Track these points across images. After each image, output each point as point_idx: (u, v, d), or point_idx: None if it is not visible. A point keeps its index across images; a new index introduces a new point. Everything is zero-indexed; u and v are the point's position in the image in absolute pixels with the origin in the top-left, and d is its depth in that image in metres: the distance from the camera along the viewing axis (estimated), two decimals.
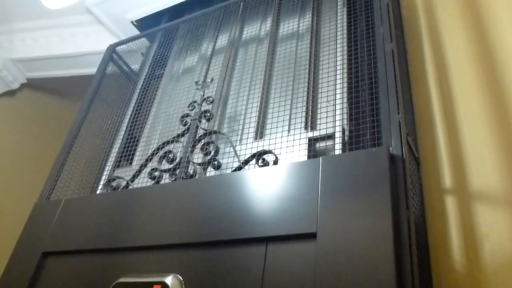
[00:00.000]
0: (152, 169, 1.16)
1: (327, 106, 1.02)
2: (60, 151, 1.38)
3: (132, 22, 1.92)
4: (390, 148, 0.80)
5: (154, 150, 1.23)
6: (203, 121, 1.19)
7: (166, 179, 1.14)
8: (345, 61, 1.11)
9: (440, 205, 0.98)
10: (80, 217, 1.10)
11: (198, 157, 1.13)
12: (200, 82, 1.32)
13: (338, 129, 0.97)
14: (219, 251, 0.84)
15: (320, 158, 0.85)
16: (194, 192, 0.97)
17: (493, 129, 0.94)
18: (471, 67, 1.06)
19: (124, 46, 1.73)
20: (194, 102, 1.25)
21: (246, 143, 1.07)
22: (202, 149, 1.11)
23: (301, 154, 0.98)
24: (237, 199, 0.89)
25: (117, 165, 1.33)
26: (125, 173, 1.25)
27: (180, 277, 0.85)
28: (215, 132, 1.16)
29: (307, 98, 1.11)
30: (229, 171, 1.04)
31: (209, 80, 1.32)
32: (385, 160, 0.77)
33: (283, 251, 0.77)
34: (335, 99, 1.02)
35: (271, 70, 1.25)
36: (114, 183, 1.22)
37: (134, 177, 1.22)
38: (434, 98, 1.15)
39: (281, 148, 1.00)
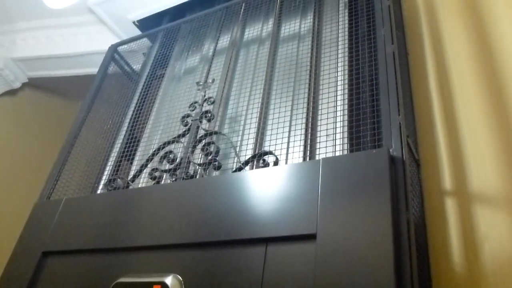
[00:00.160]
0: (153, 169, 1.17)
1: (327, 107, 1.02)
2: (61, 151, 1.38)
3: (133, 22, 1.92)
4: (390, 150, 0.80)
5: (154, 150, 1.23)
6: (204, 121, 1.20)
7: (166, 179, 1.14)
8: (346, 62, 1.11)
9: (440, 206, 0.98)
10: (81, 217, 1.10)
11: (198, 157, 1.13)
12: (201, 83, 1.32)
13: (338, 130, 0.97)
14: (219, 252, 0.85)
15: (320, 159, 0.85)
16: (194, 192, 0.97)
17: (493, 130, 0.94)
18: (471, 69, 1.07)
19: (125, 46, 1.74)
20: (195, 102, 1.26)
21: (247, 144, 1.08)
22: (202, 149, 1.12)
23: (302, 155, 0.98)
24: (237, 199, 0.89)
25: (118, 165, 1.33)
26: (126, 173, 1.25)
27: (180, 277, 0.85)
28: (215, 133, 1.16)
29: (308, 98, 1.11)
30: (229, 171, 1.04)
31: (210, 81, 1.32)
32: (385, 161, 0.77)
33: (283, 251, 0.78)
34: (336, 100, 1.03)
35: (272, 71, 1.25)
36: (114, 183, 1.22)
37: (135, 177, 1.22)
38: (434, 100, 1.15)
39: (281, 149, 1.00)
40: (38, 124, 2.66)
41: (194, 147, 1.15)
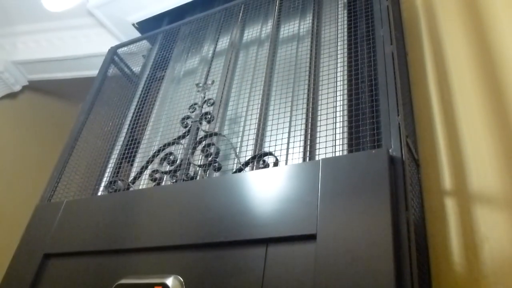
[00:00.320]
0: (153, 171, 1.17)
1: (327, 108, 1.02)
2: (62, 153, 1.38)
3: (133, 25, 1.92)
4: (390, 150, 0.81)
5: (155, 152, 1.24)
6: (204, 123, 1.20)
7: (167, 180, 1.15)
8: (345, 63, 1.11)
9: (440, 207, 0.98)
10: (82, 219, 1.10)
11: (199, 158, 1.13)
12: (201, 84, 1.33)
13: (338, 130, 0.97)
14: (220, 253, 0.85)
15: (320, 159, 0.85)
16: (194, 193, 0.97)
17: (493, 130, 0.94)
18: (471, 69, 1.07)
19: (125, 48, 1.74)
20: (195, 104, 1.26)
21: (247, 145, 1.08)
22: (202, 150, 1.12)
23: (301, 155, 0.98)
24: (238, 200, 0.89)
25: (118, 166, 1.33)
26: (126, 175, 1.26)
27: (181, 278, 0.85)
28: (215, 134, 1.16)
29: (308, 99, 1.11)
30: (229, 172, 1.05)
31: (210, 82, 1.32)
32: (384, 162, 0.77)
33: (283, 252, 0.78)
34: (335, 101, 1.03)
35: (272, 72, 1.25)
36: (115, 185, 1.23)
37: (135, 178, 1.22)
38: (434, 100, 1.15)
39: (281, 149, 1.00)
40: (39, 126, 2.67)
41: (194, 148, 1.15)
